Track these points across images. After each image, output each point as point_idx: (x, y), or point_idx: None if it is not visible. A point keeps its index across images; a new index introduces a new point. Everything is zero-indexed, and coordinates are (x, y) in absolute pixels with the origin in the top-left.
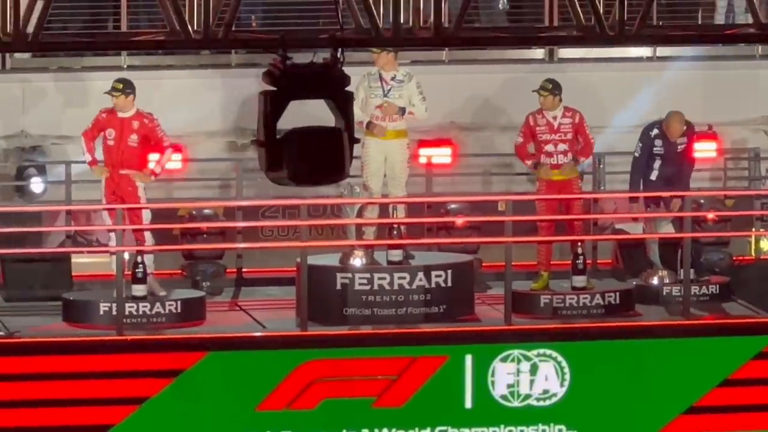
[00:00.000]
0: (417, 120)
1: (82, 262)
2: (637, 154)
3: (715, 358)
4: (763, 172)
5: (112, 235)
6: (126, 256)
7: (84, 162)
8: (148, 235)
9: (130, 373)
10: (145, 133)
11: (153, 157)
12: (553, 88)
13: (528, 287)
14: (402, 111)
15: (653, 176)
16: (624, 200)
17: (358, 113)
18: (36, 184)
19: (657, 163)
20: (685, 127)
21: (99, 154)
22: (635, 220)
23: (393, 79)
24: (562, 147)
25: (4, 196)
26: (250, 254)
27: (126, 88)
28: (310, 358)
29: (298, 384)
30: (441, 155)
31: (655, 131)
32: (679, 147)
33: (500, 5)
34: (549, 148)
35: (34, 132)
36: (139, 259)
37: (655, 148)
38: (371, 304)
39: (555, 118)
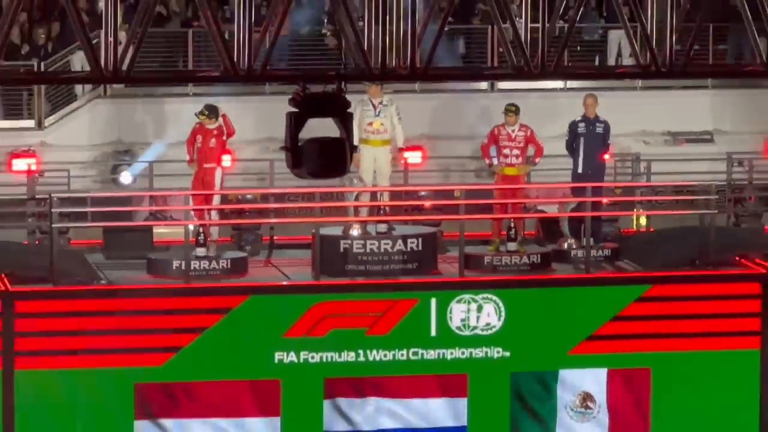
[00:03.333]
0: (397, 139)
1: (161, 232)
2: (566, 138)
3: (609, 301)
4: (642, 170)
5: (191, 212)
6: (191, 227)
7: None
8: (213, 213)
9: (194, 310)
10: (220, 139)
11: (225, 156)
12: (516, 109)
13: (475, 251)
14: (381, 127)
15: (580, 168)
16: (544, 189)
17: (355, 132)
18: (126, 177)
19: (582, 145)
20: (597, 106)
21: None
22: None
23: (380, 103)
24: (515, 152)
25: (104, 187)
26: (280, 226)
27: (210, 114)
28: (321, 300)
29: (313, 318)
30: (414, 157)
31: (579, 117)
32: (597, 128)
33: (459, 50)
34: (506, 151)
35: (126, 140)
36: (200, 229)
37: (579, 128)
38: (365, 262)
39: (513, 131)
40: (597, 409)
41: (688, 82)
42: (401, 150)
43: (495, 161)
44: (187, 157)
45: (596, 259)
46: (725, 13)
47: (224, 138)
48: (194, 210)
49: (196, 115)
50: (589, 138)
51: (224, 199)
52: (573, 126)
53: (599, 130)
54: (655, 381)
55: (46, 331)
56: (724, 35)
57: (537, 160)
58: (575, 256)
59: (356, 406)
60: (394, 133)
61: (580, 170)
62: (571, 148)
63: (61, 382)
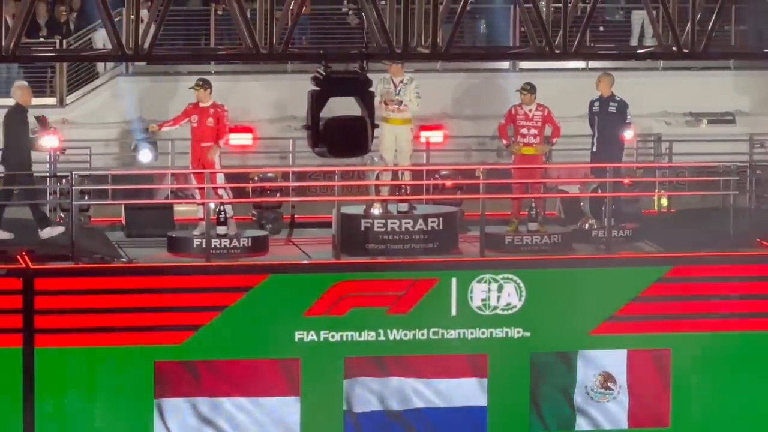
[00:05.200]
0: (409, 111)
1: (181, 209)
2: (588, 118)
3: (629, 282)
4: (663, 150)
5: (196, 191)
6: (212, 206)
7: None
8: (222, 191)
9: (215, 288)
10: (217, 116)
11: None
12: (531, 88)
13: (496, 230)
14: (399, 102)
15: (594, 147)
16: (565, 169)
17: (377, 106)
18: (146, 155)
19: (596, 124)
20: (613, 84)
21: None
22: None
23: (401, 82)
24: (533, 131)
25: (125, 164)
26: (301, 205)
27: (204, 84)
28: (342, 279)
29: (333, 297)
30: (435, 136)
31: (595, 97)
32: (611, 107)
33: (481, 30)
34: (524, 131)
35: (148, 117)
36: (221, 208)
37: (594, 107)
38: (386, 241)
39: (530, 110)
40: (617, 389)
41: (709, 63)
42: (422, 127)
43: (519, 140)
44: (161, 122)
45: (617, 240)
46: None
47: (223, 118)
48: (214, 188)
49: (191, 88)
50: (603, 117)
51: (246, 178)
52: (590, 105)
53: (612, 109)
54: (675, 362)
55: (66, 309)
56: (745, 16)
57: (554, 140)
58: (596, 237)
59: (376, 386)
60: (408, 109)
61: (594, 149)
62: (591, 126)
63: (81, 360)
